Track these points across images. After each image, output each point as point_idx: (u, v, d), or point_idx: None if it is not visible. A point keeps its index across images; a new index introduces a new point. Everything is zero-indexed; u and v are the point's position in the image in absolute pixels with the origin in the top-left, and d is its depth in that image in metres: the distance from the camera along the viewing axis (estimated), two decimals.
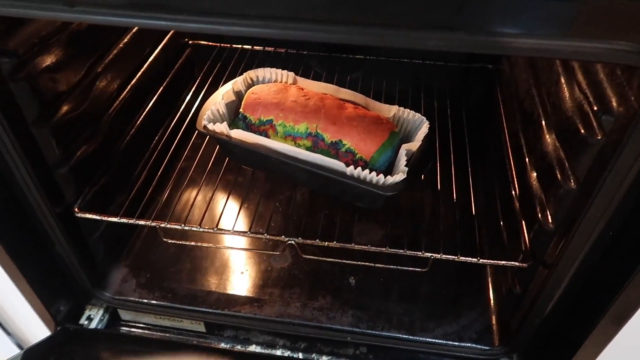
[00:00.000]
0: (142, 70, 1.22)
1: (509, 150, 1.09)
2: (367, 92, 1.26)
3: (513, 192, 1.04)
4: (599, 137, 0.70)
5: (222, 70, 1.36)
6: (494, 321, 1.05)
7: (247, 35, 0.61)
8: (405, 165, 0.90)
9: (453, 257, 0.92)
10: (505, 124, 1.14)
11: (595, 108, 0.71)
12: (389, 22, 0.57)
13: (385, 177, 0.88)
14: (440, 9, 0.55)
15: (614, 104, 0.67)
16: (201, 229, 0.97)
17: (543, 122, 0.91)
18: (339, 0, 0.57)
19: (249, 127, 1.01)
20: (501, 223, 1.10)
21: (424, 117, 1.00)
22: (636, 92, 0.61)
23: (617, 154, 0.65)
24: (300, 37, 0.59)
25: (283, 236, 0.97)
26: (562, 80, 0.83)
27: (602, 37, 0.54)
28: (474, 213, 1.01)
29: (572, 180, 0.77)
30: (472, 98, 1.38)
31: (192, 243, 1.04)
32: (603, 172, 0.68)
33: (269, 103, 0.99)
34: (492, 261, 0.92)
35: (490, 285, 1.11)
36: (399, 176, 0.88)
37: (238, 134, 0.96)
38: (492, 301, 1.08)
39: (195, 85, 1.34)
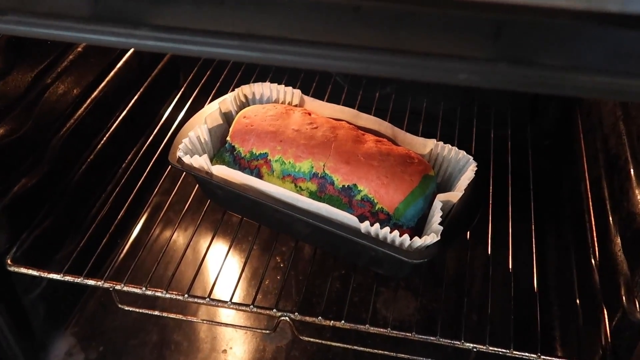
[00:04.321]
0: (107, 78, 1.25)
1: (590, 203, 1.07)
2: (402, 114, 1.27)
3: (593, 261, 1.01)
4: None
5: (214, 79, 1.39)
6: None
7: (226, 59, 0.62)
8: (441, 223, 0.88)
9: (504, 350, 0.90)
10: (585, 166, 1.12)
11: None
12: (403, 48, 0.56)
13: (412, 238, 0.87)
14: (472, 31, 0.55)
15: None
16: (167, 295, 0.98)
17: (632, 172, 0.88)
18: (340, 20, 0.57)
19: (237, 161, 1.02)
20: (577, 302, 1.06)
21: (470, 157, 0.99)
22: None
23: None
24: (290, 63, 0.60)
25: (274, 310, 0.96)
26: None
27: None
28: (535, 289, 0.98)
29: None
30: (543, 125, 1.36)
31: (156, 312, 1.04)
32: None
33: (264, 131, 0.99)
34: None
35: None
36: (430, 237, 0.86)
37: (221, 171, 0.97)
38: None
39: (178, 96, 1.37)
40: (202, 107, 1.15)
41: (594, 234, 1.02)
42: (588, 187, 1.09)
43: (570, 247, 1.15)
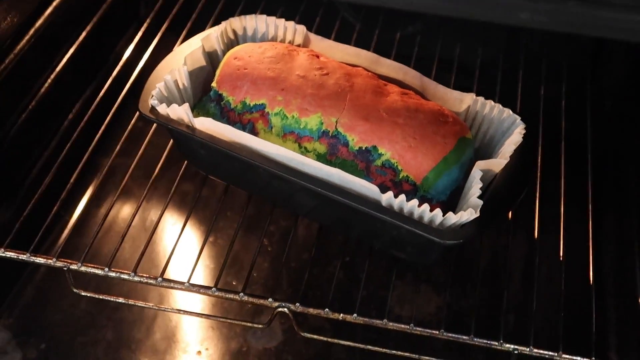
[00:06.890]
0: (50, 7, 1.28)
1: None
2: (429, 62, 1.32)
3: None
4: None
5: (187, 11, 1.42)
6: None
7: None
8: (480, 197, 0.93)
9: (551, 353, 0.96)
10: None
11: None
12: None
13: (445, 214, 0.92)
14: None
15: None
16: (136, 278, 1.02)
17: None
18: None
19: (225, 113, 1.06)
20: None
21: (517, 117, 1.03)
22: None
23: None
24: None
25: (270, 299, 1.01)
26: None
27: None
28: (591, 281, 1.04)
29: None
30: (607, 82, 1.41)
31: (120, 299, 1.09)
32: None
33: (261, 77, 1.04)
34: None
35: None
36: (467, 214, 0.91)
37: (206, 125, 1.01)
38: None
39: (141, 33, 1.40)
40: (169, 47, 1.18)
41: None
42: None
43: (634, 235, 1.20)
